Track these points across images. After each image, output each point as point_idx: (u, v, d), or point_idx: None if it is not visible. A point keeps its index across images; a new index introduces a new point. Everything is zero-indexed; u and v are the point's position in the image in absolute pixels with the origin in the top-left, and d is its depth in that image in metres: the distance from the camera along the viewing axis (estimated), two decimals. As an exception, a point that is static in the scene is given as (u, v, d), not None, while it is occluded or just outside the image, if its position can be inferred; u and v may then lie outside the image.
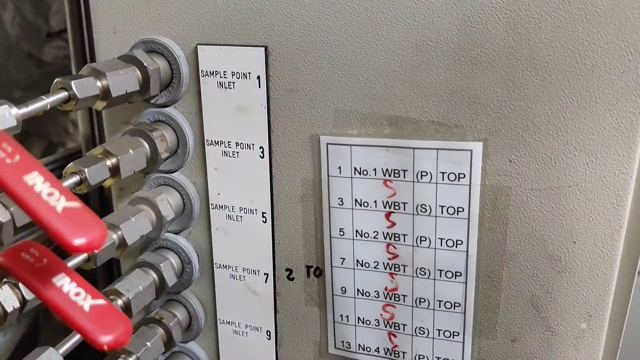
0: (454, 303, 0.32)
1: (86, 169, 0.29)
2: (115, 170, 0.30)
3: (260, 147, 0.33)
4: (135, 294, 0.33)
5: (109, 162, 0.30)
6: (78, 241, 0.18)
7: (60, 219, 0.18)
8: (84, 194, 0.29)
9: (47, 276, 0.19)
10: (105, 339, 0.19)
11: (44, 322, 0.71)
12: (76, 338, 0.30)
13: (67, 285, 0.20)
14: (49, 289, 0.19)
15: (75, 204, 0.18)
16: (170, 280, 0.35)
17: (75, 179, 0.29)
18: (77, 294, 0.20)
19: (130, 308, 0.32)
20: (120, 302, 0.32)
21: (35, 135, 0.73)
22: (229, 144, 0.34)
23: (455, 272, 0.32)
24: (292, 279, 0.36)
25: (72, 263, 0.28)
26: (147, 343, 0.34)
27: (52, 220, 0.18)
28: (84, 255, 0.29)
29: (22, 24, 0.66)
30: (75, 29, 0.49)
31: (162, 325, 0.36)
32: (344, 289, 0.34)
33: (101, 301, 0.20)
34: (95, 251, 0.29)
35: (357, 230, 0.33)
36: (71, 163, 0.29)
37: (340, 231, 0.33)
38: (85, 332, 0.19)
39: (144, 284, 0.33)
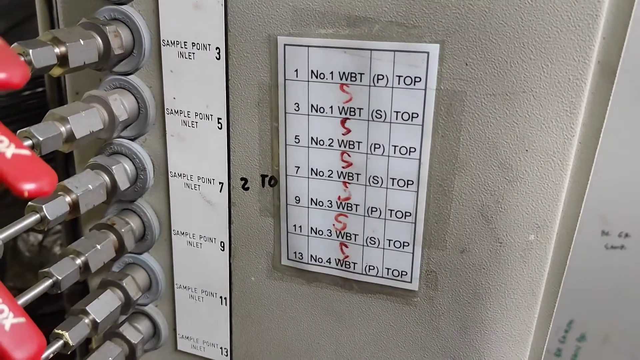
0: (405, 212, 0.32)
1: (31, 50, 0.28)
2: (63, 59, 0.30)
3: (217, 48, 0.32)
4: (83, 192, 0.32)
5: (57, 50, 0.29)
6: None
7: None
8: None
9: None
10: (27, 186, 0.19)
11: (10, 259, 0.71)
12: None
13: (-12, 132, 0.19)
14: (-31, 134, 0.19)
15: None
16: (122, 184, 0.35)
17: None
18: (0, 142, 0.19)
19: (78, 206, 0.32)
20: (68, 198, 0.32)
21: None
22: (185, 45, 0.33)
23: (407, 181, 0.31)
24: (247, 189, 0.35)
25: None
26: (97, 245, 0.34)
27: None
28: (28, 142, 0.28)
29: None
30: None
31: (113, 231, 0.36)
32: (297, 198, 0.34)
33: (25, 151, 0.19)
34: (40, 139, 0.28)
35: (312, 138, 0.33)
36: (16, 43, 0.28)
37: (295, 138, 0.33)
38: (5, 178, 0.19)
39: (94, 183, 0.33)
